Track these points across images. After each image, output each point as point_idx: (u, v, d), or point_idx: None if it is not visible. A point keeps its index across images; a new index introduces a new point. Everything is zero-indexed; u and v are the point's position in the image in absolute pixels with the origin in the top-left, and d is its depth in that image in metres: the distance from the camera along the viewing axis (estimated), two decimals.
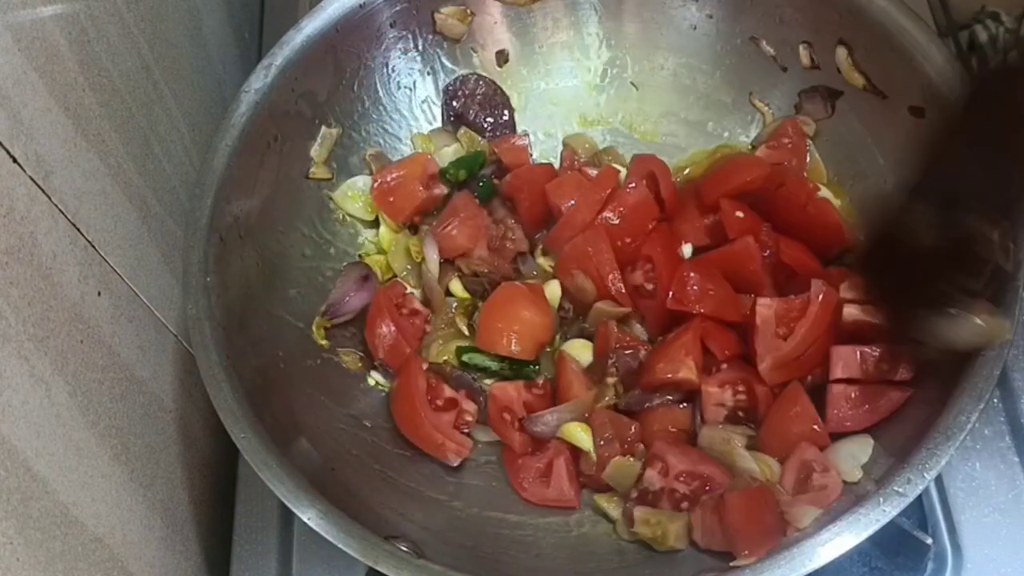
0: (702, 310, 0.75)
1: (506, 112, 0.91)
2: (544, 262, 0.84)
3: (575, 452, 0.74)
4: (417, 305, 0.83)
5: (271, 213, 0.79)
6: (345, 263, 0.84)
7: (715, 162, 0.86)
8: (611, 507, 0.72)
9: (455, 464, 0.75)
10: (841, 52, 0.80)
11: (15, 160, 0.55)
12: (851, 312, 0.71)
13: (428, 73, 0.89)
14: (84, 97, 0.65)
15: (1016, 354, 0.78)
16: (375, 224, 0.86)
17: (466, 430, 0.76)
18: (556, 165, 0.89)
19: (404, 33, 0.86)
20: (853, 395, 0.71)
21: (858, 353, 0.71)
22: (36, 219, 0.57)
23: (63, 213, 0.60)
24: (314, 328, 0.79)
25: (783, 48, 0.84)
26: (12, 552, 0.51)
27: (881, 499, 0.60)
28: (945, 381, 0.64)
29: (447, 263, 0.83)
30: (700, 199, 0.81)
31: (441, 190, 0.86)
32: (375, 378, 0.80)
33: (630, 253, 0.79)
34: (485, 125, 0.90)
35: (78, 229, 0.62)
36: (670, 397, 0.74)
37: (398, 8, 0.85)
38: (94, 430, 0.62)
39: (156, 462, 0.72)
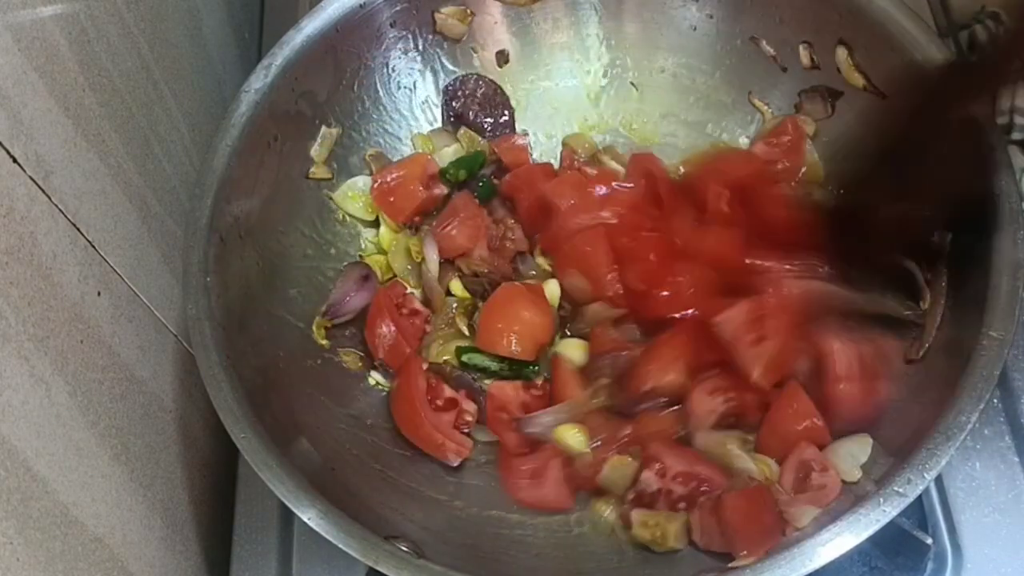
0: (693, 313, 0.74)
1: (506, 112, 0.91)
2: (543, 262, 0.83)
3: (569, 454, 0.74)
4: (417, 305, 0.82)
5: (271, 213, 0.79)
6: (345, 263, 0.84)
7: (708, 156, 0.86)
8: (607, 511, 0.72)
9: (455, 464, 0.75)
10: (841, 52, 0.80)
11: (15, 160, 0.55)
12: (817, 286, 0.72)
13: (428, 73, 0.89)
14: (84, 97, 0.65)
15: (1016, 354, 0.78)
16: (375, 224, 0.86)
17: (466, 430, 0.76)
18: (556, 165, 0.89)
19: (404, 33, 0.86)
20: (853, 392, 0.70)
21: (856, 350, 0.71)
22: (36, 219, 0.57)
23: (63, 213, 0.60)
24: (314, 328, 0.79)
25: (783, 48, 0.84)
26: (12, 552, 0.51)
27: (881, 499, 0.60)
28: (945, 381, 0.64)
29: (447, 263, 0.83)
30: (693, 194, 0.81)
31: (441, 190, 0.86)
32: (375, 378, 0.80)
33: (627, 253, 0.79)
34: (485, 125, 0.90)
35: (78, 229, 0.62)
36: (662, 399, 0.74)
37: (398, 8, 0.85)
38: (94, 430, 0.62)
39: (156, 462, 0.72)
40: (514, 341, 0.77)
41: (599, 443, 0.73)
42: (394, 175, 0.85)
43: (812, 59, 0.82)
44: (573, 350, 0.78)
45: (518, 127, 0.91)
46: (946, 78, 0.69)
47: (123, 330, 0.68)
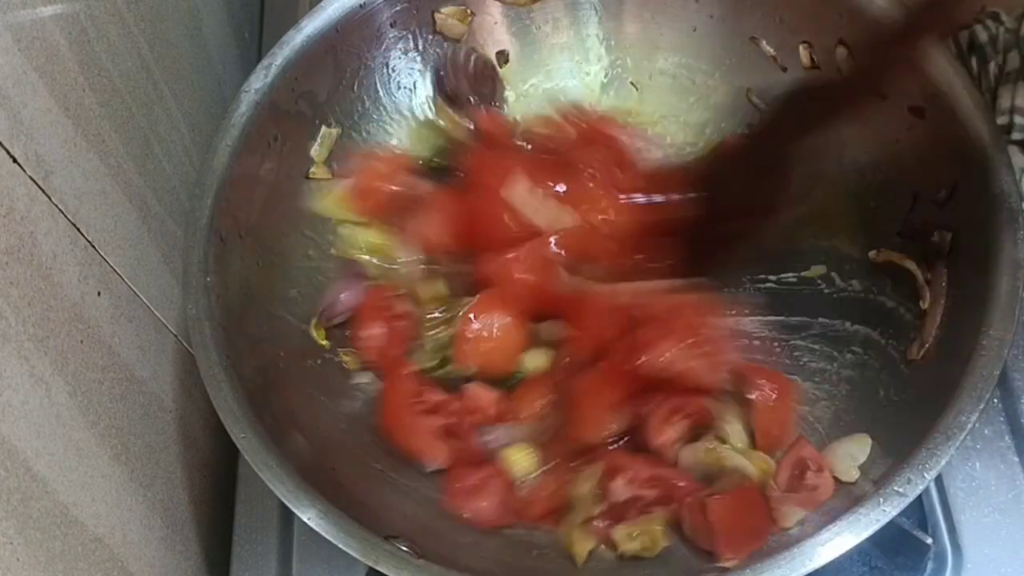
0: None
1: (495, 87, 0.89)
2: None
3: (512, 476, 0.72)
4: (407, 307, 0.81)
5: (271, 213, 0.79)
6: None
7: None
8: (579, 539, 0.69)
9: (432, 469, 0.73)
10: (841, 52, 0.80)
11: (15, 160, 0.55)
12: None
13: (428, 73, 0.89)
14: (84, 97, 0.65)
15: (1016, 354, 0.78)
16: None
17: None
18: None
19: (404, 33, 0.86)
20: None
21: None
22: (36, 219, 0.57)
23: (63, 213, 0.60)
24: (313, 329, 0.79)
25: (783, 48, 0.84)
26: (12, 552, 0.51)
27: (881, 499, 0.60)
28: (945, 381, 0.64)
29: (429, 261, 0.81)
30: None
31: (424, 184, 0.83)
32: (362, 379, 0.78)
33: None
34: (472, 99, 0.88)
35: (78, 229, 0.62)
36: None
37: (398, 8, 0.85)
38: (94, 430, 0.62)
39: (156, 462, 0.72)
40: (486, 356, 0.75)
41: (550, 467, 0.71)
42: (371, 173, 0.83)
43: (812, 59, 0.82)
44: (538, 359, 0.77)
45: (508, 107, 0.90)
46: (791, 104, 0.69)
47: (123, 330, 0.68)
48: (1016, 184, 0.69)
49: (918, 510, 0.73)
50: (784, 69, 0.84)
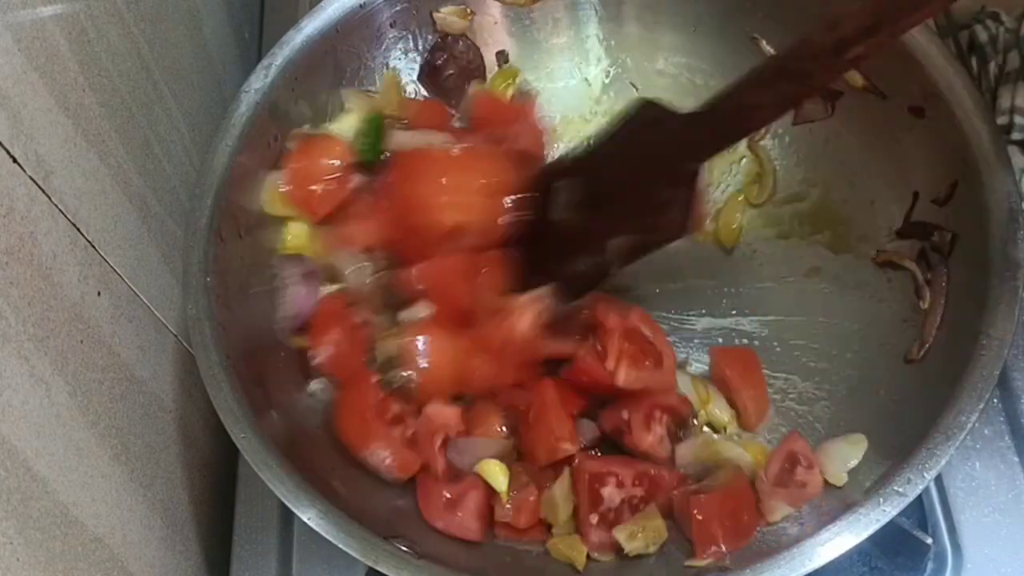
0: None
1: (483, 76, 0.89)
2: None
3: (491, 491, 0.71)
4: (366, 314, 0.77)
5: (271, 213, 0.79)
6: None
7: None
8: (572, 548, 0.69)
9: (402, 481, 0.72)
10: None
11: (15, 160, 0.55)
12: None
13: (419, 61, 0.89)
14: (84, 97, 0.65)
15: (1016, 354, 0.78)
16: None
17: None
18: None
19: (404, 33, 0.86)
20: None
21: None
22: (36, 219, 0.57)
23: (63, 213, 0.60)
24: (288, 339, 0.76)
25: (783, 48, 0.84)
26: (12, 552, 0.51)
27: (881, 499, 0.60)
28: (945, 381, 0.64)
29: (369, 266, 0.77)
30: None
31: (358, 177, 0.79)
32: (314, 387, 0.75)
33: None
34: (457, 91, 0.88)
35: (78, 229, 0.62)
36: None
37: (398, 8, 0.85)
38: (94, 430, 0.62)
39: (156, 462, 0.72)
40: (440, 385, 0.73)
41: (519, 488, 0.71)
42: (307, 163, 0.78)
43: None
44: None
45: None
46: (685, 128, 0.69)
47: (123, 330, 0.68)
48: (1016, 184, 0.69)
49: (918, 510, 0.73)
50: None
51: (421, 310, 0.74)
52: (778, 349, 0.79)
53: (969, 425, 0.61)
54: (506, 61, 0.90)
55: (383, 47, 0.86)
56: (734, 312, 0.82)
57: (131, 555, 0.66)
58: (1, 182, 0.53)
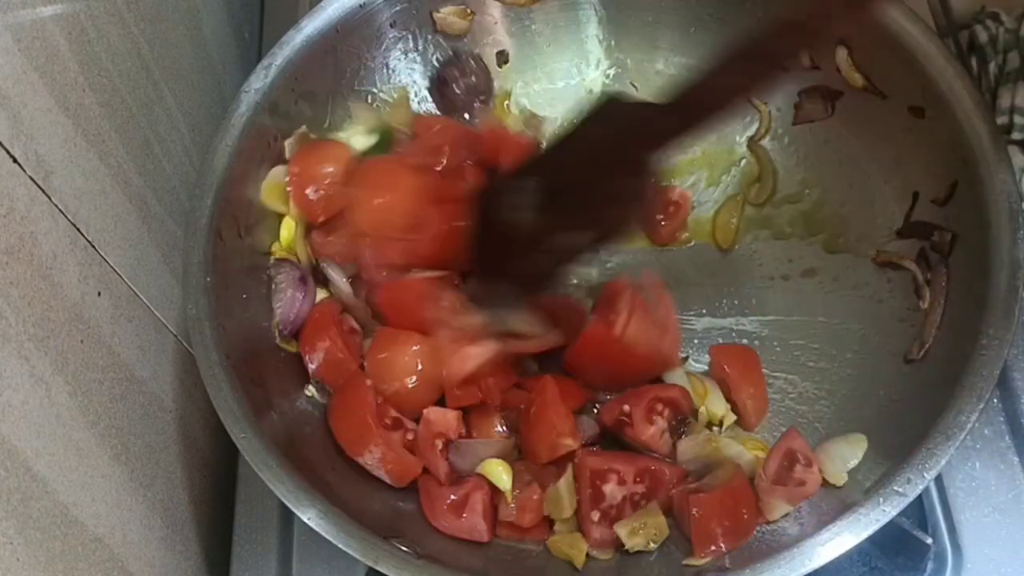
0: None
1: (487, 101, 0.89)
2: None
3: (494, 491, 0.71)
4: (355, 323, 0.78)
5: (271, 213, 0.79)
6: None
7: None
8: (572, 545, 0.69)
9: (401, 486, 0.71)
10: (841, 52, 0.80)
11: (15, 160, 0.55)
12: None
13: (428, 74, 0.89)
14: (84, 97, 0.65)
15: (1016, 354, 0.78)
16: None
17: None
18: None
19: (404, 33, 0.86)
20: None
21: None
22: (36, 219, 0.57)
23: (63, 213, 0.60)
24: (279, 339, 0.76)
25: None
26: (12, 552, 0.51)
27: (881, 499, 0.60)
28: (945, 381, 0.64)
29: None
30: None
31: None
32: (312, 390, 0.75)
33: None
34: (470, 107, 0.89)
35: (78, 229, 0.62)
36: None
37: (398, 8, 0.85)
38: (94, 430, 0.62)
39: (156, 462, 0.72)
40: (402, 396, 0.73)
41: (522, 487, 0.71)
42: (308, 167, 0.78)
43: (812, 59, 0.82)
44: None
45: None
46: (643, 120, 0.68)
47: (123, 330, 0.68)
48: (1016, 184, 0.69)
49: (918, 510, 0.73)
50: (784, 69, 0.84)
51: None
52: (778, 349, 0.79)
53: (969, 425, 0.61)
54: (506, 61, 0.91)
55: (383, 47, 0.86)
56: (734, 312, 0.82)
57: (131, 555, 0.66)
58: (1, 182, 0.53)
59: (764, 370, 0.77)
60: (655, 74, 0.90)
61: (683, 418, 0.74)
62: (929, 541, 0.71)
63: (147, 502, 0.69)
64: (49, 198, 0.59)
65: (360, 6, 0.82)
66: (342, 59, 0.84)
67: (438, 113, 0.89)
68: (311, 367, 0.74)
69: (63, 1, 0.63)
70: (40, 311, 0.56)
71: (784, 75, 0.62)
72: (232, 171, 0.75)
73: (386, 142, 0.83)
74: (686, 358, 0.79)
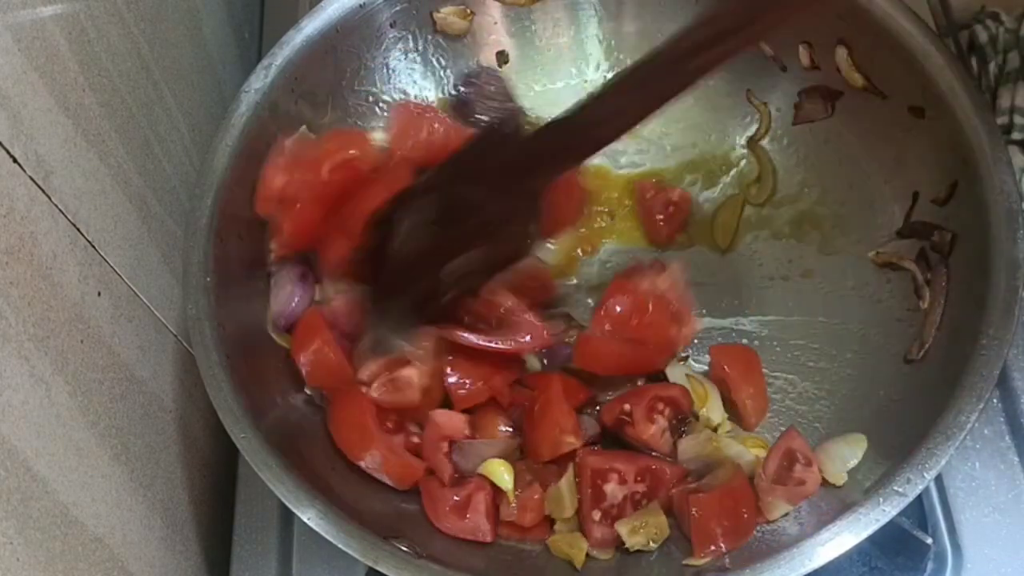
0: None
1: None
2: None
3: (496, 491, 0.71)
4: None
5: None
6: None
7: None
8: (572, 544, 0.69)
9: (403, 489, 0.71)
10: (841, 52, 0.80)
11: (15, 160, 0.55)
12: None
13: (428, 74, 0.89)
14: (84, 97, 0.65)
15: (1016, 354, 0.78)
16: None
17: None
18: None
19: (404, 33, 0.86)
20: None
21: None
22: (36, 219, 0.57)
23: (63, 213, 0.60)
24: (272, 331, 0.76)
25: (783, 48, 0.84)
26: (12, 552, 0.51)
27: (881, 499, 0.60)
28: (945, 381, 0.64)
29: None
30: None
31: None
32: (310, 391, 0.75)
33: None
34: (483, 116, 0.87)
35: (78, 229, 0.62)
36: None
37: (398, 8, 0.85)
38: (94, 430, 0.62)
39: (156, 462, 0.72)
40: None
41: (523, 486, 0.71)
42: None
43: (812, 59, 0.82)
44: None
45: None
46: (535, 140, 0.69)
47: (123, 330, 0.68)
48: (1016, 184, 0.69)
49: (918, 510, 0.73)
50: (784, 69, 0.85)
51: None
52: (778, 349, 0.79)
53: (969, 425, 0.61)
54: (506, 61, 0.91)
55: (383, 47, 0.86)
56: (734, 312, 0.82)
57: (131, 555, 0.66)
58: (1, 182, 0.53)
59: (764, 370, 0.77)
60: None
61: (683, 417, 0.74)
62: (929, 541, 0.71)
63: (147, 502, 0.69)
64: (49, 198, 0.59)
65: (360, 6, 0.82)
66: (342, 59, 0.84)
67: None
68: (304, 371, 0.74)
69: (63, 1, 0.63)
70: (40, 311, 0.56)
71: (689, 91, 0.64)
72: (232, 171, 0.74)
73: None
74: (686, 357, 0.79)
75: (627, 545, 0.68)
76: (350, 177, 0.77)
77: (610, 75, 0.91)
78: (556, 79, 0.92)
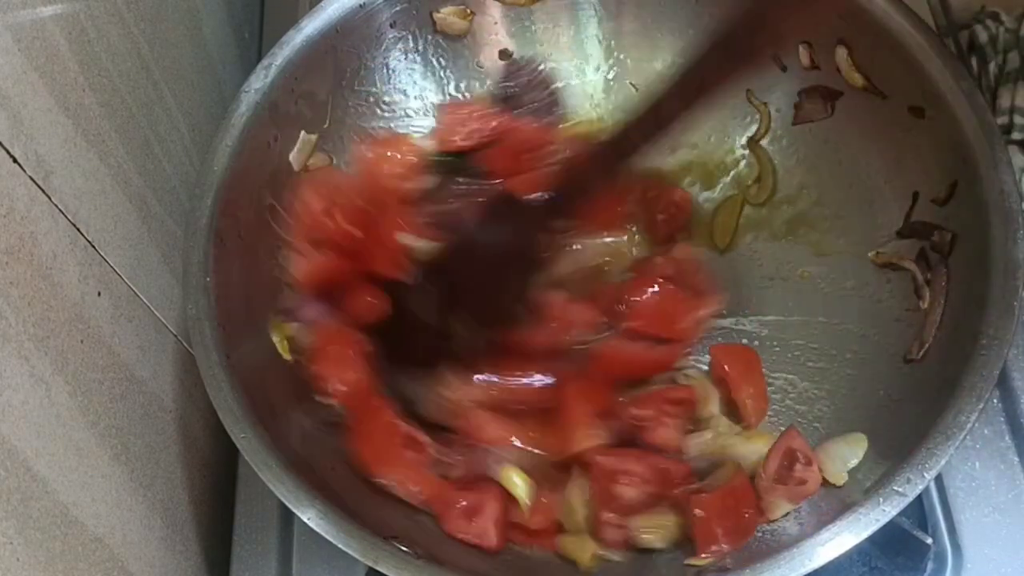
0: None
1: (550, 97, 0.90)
2: None
3: (507, 497, 0.71)
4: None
5: (271, 213, 0.79)
6: None
7: None
8: (582, 548, 0.69)
9: (419, 503, 0.71)
10: (841, 52, 0.80)
11: (15, 160, 0.55)
12: None
13: (428, 74, 0.89)
14: (84, 97, 0.65)
15: (1016, 354, 0.78)
16: None
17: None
18: None
19: (404, 33, 0.86)
20: None
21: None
22: (36, 219, 0.57)
23: (63, 213, 0.60)
24: (276, 339, 0.75)
25: (783, 48, 0.84)
26: (12, 552, 0.51)
27: (881, 499, 0.60)
28: (945, 381, 0.64)
29: None
30: None
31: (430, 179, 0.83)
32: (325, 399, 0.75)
33: None
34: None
35: (78, 229, 0.62)
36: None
37: (398, 8, 0.85)
38: (94, 430, 0.62)
39: (156, 462, 0.72)
40: None
41: (543, 481, 0.71)
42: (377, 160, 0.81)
43: (812, 59, 0.82)
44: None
45: None
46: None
47: (123, 330, 0.68)
48: (1016, 184, 0.69)
49: (918, 510, 0.73)
50: (784, 69, 0.84)
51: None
52: (778, 349, 0.79)
53: (969, 425, 0.61)
54: (510, 59, 0.90)
55: (383, 47, 0.86)
56: (734, 312, 0.82)
57: (131, 555, 0.66)
58: (1, 182, 0.53)
59: (764, 370, 0.77)
60: (655, 74, 0.90)
61: (694, 417, 0.74)
62: (929, 541, 0.71)
63: (147, 502, 0.69)
64: (49, 198, 0.59)
65: (360, 6, 0.82)
66: (342, 59, 0.84)
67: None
68: (329, 388, 0.74)
69: (63, 1, 0.63)
70: (40, 311, 0.56)
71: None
72: (232, 171, 0.74)
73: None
74: (688, 353, 0.79)
75: (640, 545, 0.68)
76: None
77: (610, 75, 0.91)
78: (556, 79, 0.92)
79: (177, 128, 0.84)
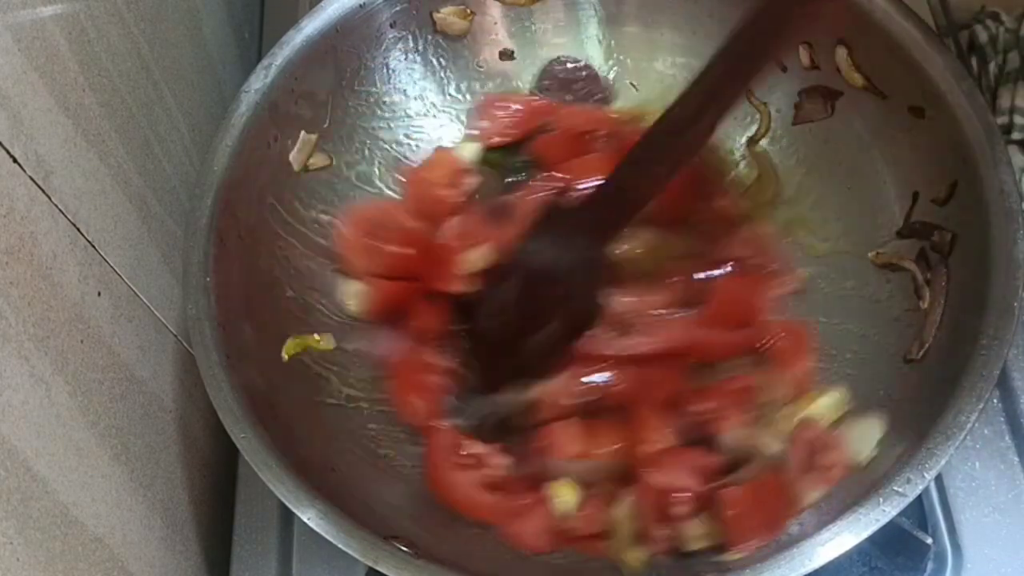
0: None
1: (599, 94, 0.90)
2: None
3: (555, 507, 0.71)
4: (442, 360, 0.78)
5: (271, 213, 0.79)
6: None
7: None
8: (629, 555, 0.68)
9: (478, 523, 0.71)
10: (841, 52, 0.80)
11: (15, 160, 0.55)
12: None
13: (428, 74, 0.89)
14: (84, 97, 0.65)
15: (1016, 354, 0.78)
16: None
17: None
18: None
19: (404, 33, 0.86)
20: None
21: None
22: (36, 219, 0.57)
23: (63, 213, 0.60)
24: (288, 350, 0.76)
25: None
26: (12, 552, 0.51)
27: (881, 499, 0.60)
28: (945, 381, 0.64)
29: None
30: None
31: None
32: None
33: None
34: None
35: (78, 229, 0.62)
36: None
37: (398, 8, 0.85)
38: (94, 430, 0.62)
39: (156, 462, 0.72)
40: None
41: (593, 492, 0.70)
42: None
43: (812, 59, 0.82)
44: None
45: None
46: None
47: (123, 330, 0.68)
48: (1016, 184, 0.69)
49: (918, 510, 0.73)
50: (784, 69, 0.84)
51: None
52: None
53: (969, 425, 0.61)
54: (511, 58, 0.90)
55: (383, 47, 0.86)
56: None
57: (131, 555, 0.66)
58: (1, 182, 0.53)
59: None
60: (655, 74, 0.90)
61: (755, 407, 0.73)
62: (929, 541, 0.71)
63: (147, 502, 0.69)
64: (49, 198, 0.59)
65: (360, 6, 0.82)
66: (342, 59, 0.84)
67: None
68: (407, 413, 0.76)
69: (63, 1, 0.64)
70: (40, 311, 0.56)
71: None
72: (232, 171, 0.75)
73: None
74: None
75: (687, 549, 0.67)
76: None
77: (610, 75, 0.91)
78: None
79: (177, 128, 0.84)
